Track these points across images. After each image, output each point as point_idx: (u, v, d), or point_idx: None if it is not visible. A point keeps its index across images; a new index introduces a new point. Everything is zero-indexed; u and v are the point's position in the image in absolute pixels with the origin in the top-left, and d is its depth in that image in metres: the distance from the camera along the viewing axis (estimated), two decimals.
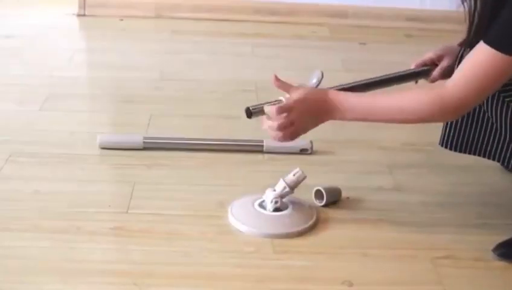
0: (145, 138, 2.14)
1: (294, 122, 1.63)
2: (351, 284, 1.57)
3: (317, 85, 1.76)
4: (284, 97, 1.66)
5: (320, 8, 3.47)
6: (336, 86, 1.76)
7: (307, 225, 1.77)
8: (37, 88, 2.55)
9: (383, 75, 1.88)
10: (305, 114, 1.63)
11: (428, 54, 1.91)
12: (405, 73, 1.91)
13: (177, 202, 1.86)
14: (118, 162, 2.07)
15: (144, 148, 2.12)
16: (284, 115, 1.62)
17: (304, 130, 1.66)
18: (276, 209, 1.78)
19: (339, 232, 1.77)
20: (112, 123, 2.36)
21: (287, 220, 1.77)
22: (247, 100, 2.54)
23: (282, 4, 3.47)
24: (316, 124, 1.67)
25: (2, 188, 1.90)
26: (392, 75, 1.89)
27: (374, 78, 1.86)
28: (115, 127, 2.32)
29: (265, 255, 1.67)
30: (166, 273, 1.58)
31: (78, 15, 3.43)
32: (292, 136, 1.65)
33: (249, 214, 1.78)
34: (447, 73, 1.79)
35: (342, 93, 1.68)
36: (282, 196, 1.79)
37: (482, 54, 1.53)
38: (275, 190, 1.79)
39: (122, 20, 3.39)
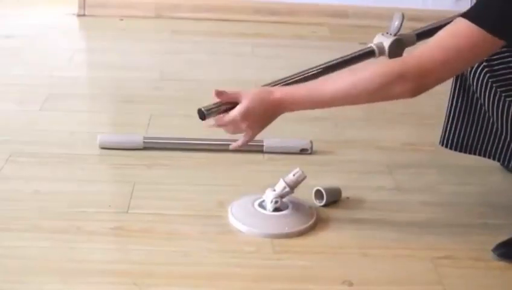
0: (145, 138, 2.14)
1: (246, 131, 1.64)
2: (351, 284, 1.57)
3: (400, 27, 1.78)
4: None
5: (320, 8, 3.47)
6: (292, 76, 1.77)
7: (307, 225, 1.77)
8: (37, 88, 2.55)
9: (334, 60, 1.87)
10: (255, 123, 1.62)
11: None
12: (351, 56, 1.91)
13: (177, 202, 1.86)
14: (118, 162, 2.07)
15: (144, 148, 2.12)
16: (236, 124, 1.62)
17: (259, 131, 1.65)
18: (276, 209, 1.78)
19: (339, 232, 1.77)
20: (112, 123, 2.36)
21: (287, 220, 1.77)
22: None
23: (282, 4, 3.47)
24: (269, 123, 1.64)
25: (2, 188, 1.90)
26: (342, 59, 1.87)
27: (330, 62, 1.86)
28: (115, 127, 2.32)
29: (265, 255, 1.67)
30: (166, 273, 1.58)
31: (78, 15, 3.43)
32: (248, 140, 1.67)
33: (249, 214, 1.78)
34: None
35: (288, 89, 1.62)
36: (282, 196, 1.79)
37: (457, 26, 1.50)
38: (274, 190, 1.79)
39: (122, 20, 3.40)
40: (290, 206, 1.80)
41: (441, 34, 1.52)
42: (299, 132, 2.29)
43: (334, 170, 2.07)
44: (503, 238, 1.71)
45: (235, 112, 1.60)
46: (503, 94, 1.66)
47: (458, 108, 1.81)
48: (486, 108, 1.73)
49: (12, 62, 2.83)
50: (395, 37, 1.84)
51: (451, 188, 2.00)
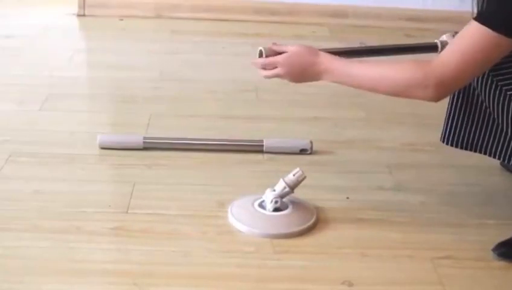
0: (145, 138, 2.14)
1: (281, 76, 1.73)
2: (351, 284, 1.57)
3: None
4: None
5: (320, 8, 3.47)
6: (340, 48, 1.85)
7: (307, 225, 1.77)
8: (37, 88, 2.55)
9: (390, 44, 1.96)
10: (291, 72, 1.72)
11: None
12: (411, 45, 1.98)
13: (177, 202, 1.86)
14: (118, 162, 2.07)
15: (144, 148, 2.12)
16: (272, 67, 1.72)
17: (292, 81, 1.75)
18: (276, 209, 1.78)
19: (339, 232, 1.77)
20: (112, 123, 2.36)
21: (287, 220, 1.77)
22: (247, 100, 2.55)
23: (282, 4, 3.47)
24: (303, 81, 1.75)
25: (2, 188, 1.90)
26: (399, 45, 1.97)
27: (382, 45, 1.98)
28: (115, 127, 2.31)
29: (265, 255, 1.67)
30: (166, 273, 1.58)
31: (78, 15, 3.43)
32: (275, 76, 1.75)
33: (249, 214, 1.78)
34: None
35: (332, 59, 1.69)
36: (282, 196, 1.79)
37: (471, 31, 1.52)
38: (274, 190, 1.79)
39: (122, 20, 3.40)
40: (290, 206, 1.80)
41: (455, 40, 1.57)
42: (299, 132, 2.29)
43: (334, 170, 2.07)
44: (503, 238, 1.71)
45: (278, 57, 1.71)
46: (504, 88, 1.66)
47: (459, 104, 1.80)
48: (487, 103, 1.73)
49: (12, 62, 2.83)
50: None
51: (451, 188, 2.00)
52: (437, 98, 1.61)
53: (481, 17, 1.50)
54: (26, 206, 1.81)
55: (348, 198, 1.91)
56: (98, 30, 3.32)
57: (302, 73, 1.72)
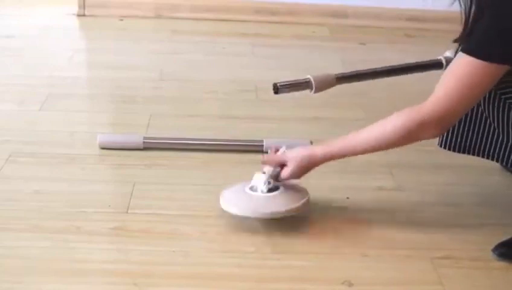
0: (145, 138, 2.14)
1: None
2: (351, 284, 1.57)
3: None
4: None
5: (320, 8, 3.47)
6: (351, 72, 1.94)
7: (301, 202, 1.76)
8: (37, 88, 2.55)
9: (396, 65, 1.95)
10: (298, 176, 1.80)
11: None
12: (417, 64, 1.97)
13: (177, 202, 1.86)
14: (118, 162, 2.07)
15: (144, 148, 2.12)
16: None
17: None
18: (270, 190, 1.77)
19: (338, 232, 1.77)
20: (112, 123, 2.36)
21: (284, 198, 1.75)
22: (247, 100, 2.55)
23: (282, 4, 3.47)
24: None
25: (2, 188, 1.90)
26: (404, 65, 1.97)
27: (387, 67, 1.98)
28: (115, 127, 2.32)
29: (265, 255, 1.67)
30: (166, 273, 1.58)
31: (78, 15, 3.44)
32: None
33: (245, 198, 1.76)
34: None
35: (326, 151, 1.75)
36: (273, 177, 1.78)
37: (460, 64, 1.54)
38: (264, 172, 1.78)
39: (122, 20, 3.40)
40: (281, 187, 1.79)
41: (447, 75, 1.58)
42: (299, 132, 2.29)
43: (334, 170, 2.06)
44: (502, 238, 1.71)
45: (285, 175, 1.78)
46: (503, 96, 1.66)
47: None
48: (483, 108, 1.73)
49: (12, 62, 2.83)
50: None
51: (451, 188, 2.00)
52: (442, 133, 1.67)
53: (468, 49, 1.52)
54: (26, 206, 1.81)
55: (348, 198, 1.91)
56: (98, 30, 3.32)
57: (305, 172, 1.80)
